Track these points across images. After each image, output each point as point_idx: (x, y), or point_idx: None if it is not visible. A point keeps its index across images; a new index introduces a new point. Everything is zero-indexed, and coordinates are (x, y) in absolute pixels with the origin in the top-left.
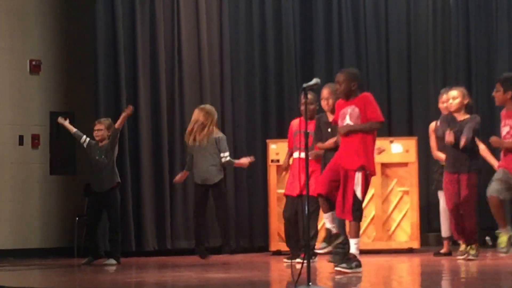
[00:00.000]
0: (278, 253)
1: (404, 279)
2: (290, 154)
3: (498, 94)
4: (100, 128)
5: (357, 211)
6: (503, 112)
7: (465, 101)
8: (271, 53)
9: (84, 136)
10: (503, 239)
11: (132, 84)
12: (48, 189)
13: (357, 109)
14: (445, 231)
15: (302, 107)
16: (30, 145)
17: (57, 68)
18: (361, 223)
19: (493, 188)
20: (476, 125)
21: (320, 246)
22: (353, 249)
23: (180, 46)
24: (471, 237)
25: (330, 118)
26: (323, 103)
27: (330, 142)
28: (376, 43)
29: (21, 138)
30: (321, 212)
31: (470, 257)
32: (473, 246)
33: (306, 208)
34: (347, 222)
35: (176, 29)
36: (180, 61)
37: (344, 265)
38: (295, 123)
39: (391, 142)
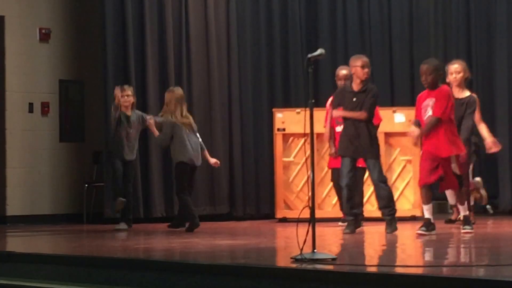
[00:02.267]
0: (284, 220)
1: (407, 246)
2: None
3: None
4: (129, 94)
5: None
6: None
7: (466, 75)
8: (277, 23)
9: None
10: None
11: (140, 51)
12: (57, 156)
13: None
14: (450, 198)
15: (340, 82)
16: (39, 113)
17: (66, 36)
18: (364, 191)
19: None
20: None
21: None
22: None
23: (188, 15)
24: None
25: (355, 87)
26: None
27: (355, 113)
28: (378, 9)
29: (31, 106)
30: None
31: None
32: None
33: (312, 175)
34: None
35: None
36: (187, 30)
37: (423, 228)
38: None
39: (394, 112)
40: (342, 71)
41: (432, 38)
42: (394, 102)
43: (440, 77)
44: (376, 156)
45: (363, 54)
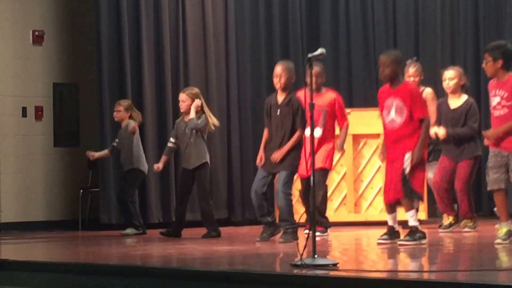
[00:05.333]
0: None
1: (408, 252)
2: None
3: (488, 65)
4: (119, 110)
5: None
6: (492, 83)
7: (461, 82)
8: (276, 22)
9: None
10: (503, 231)
11: (136, 54)
12: (51, 161)
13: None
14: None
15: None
16: (33, 117)
17: (60, 39)
18: (368, 194)
19: (492, 179)
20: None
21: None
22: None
23: (185, 13)
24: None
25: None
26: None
27: None
28: (383, 13)
29: (24, 110)
30: None
31: (466, 228)
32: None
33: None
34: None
35: None
36: (184, 30)
37: (407, 237)
38: (300, 95)
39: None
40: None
41: (439, 35)
42: None
43: (399, 70)
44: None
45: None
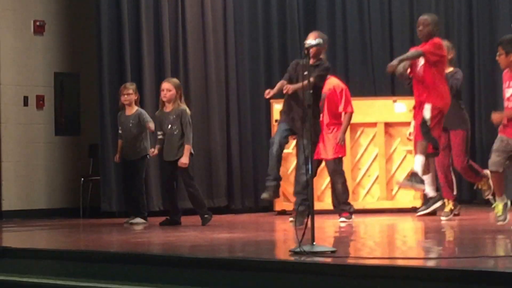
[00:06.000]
0: (283, 213)
1: (407, 238)
2: None
3: (501, 58)
4: (129, 93)
5: None
6: (507, 73)
7: (449, 56)
8: (274, 13)
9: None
10: (499, 207)
11: (136, 43)
12: (53, 150)
13: None
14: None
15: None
16: (34, 106)
17: (61, 29)
18: (366, 182)
19: (493, 161)
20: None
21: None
22: None
23: (184, 6)
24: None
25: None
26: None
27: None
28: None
29: (25, 99)
30: None
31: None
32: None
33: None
34: None
35: None
36: (183, 20)
37: (406, 181)
38: None
39: (395, 101)
40: None
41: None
42: (394, 91)
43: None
44: None
45: (362, 41)
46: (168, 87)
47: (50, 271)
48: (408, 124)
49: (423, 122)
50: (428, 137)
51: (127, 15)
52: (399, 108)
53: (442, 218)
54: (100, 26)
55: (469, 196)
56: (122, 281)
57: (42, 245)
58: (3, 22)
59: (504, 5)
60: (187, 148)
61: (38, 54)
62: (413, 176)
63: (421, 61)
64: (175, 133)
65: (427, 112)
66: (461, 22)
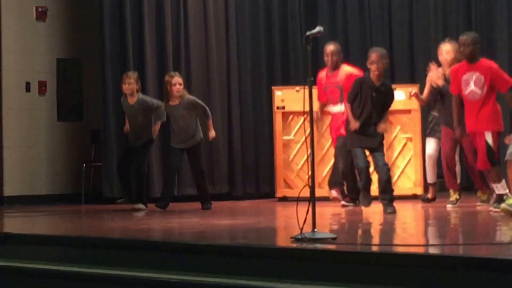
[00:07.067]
0: (284, 199)
1: (408, 225)
2: (322, 107)
3: None
4: (131, 82)
5: None
6: None
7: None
8: (275, 1)
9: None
10: (509, 201)
11: (138, 29)
12: (55, 135)
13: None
14: (430, 177)
15: (326, 58)
16: (37, 92)
17: (63, 15)
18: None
19: (510, 152)
20: None
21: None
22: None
23: None
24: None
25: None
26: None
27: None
28: None
29: (28, 85)
30: None
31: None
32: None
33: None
34: None
35: None
36: (185, 8)
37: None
38: (322, 76)
39: (394, 89)
40: (330, 47)
41: (432, 13)
42: (394, 79)
43: (478, 50)
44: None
45: (362, 32)
46: (180, 81)
47: (51, 257)
48: (409, 111)
49: (489, 149)
50: (496, 163)
51: (129, 1)
52: (399, 96)
53: (448, 206)
54: (103, 12)
55: (470, 183)
56: (124, 267)
57: (44, 231)
58: (5, 8)
59: (502, 4)
60: (211, 123)
61: (40, 40)
62: (500, 200)
63: (472, 85)
64: (189, 123)
65: (489, 139)
66: (460, 21)
